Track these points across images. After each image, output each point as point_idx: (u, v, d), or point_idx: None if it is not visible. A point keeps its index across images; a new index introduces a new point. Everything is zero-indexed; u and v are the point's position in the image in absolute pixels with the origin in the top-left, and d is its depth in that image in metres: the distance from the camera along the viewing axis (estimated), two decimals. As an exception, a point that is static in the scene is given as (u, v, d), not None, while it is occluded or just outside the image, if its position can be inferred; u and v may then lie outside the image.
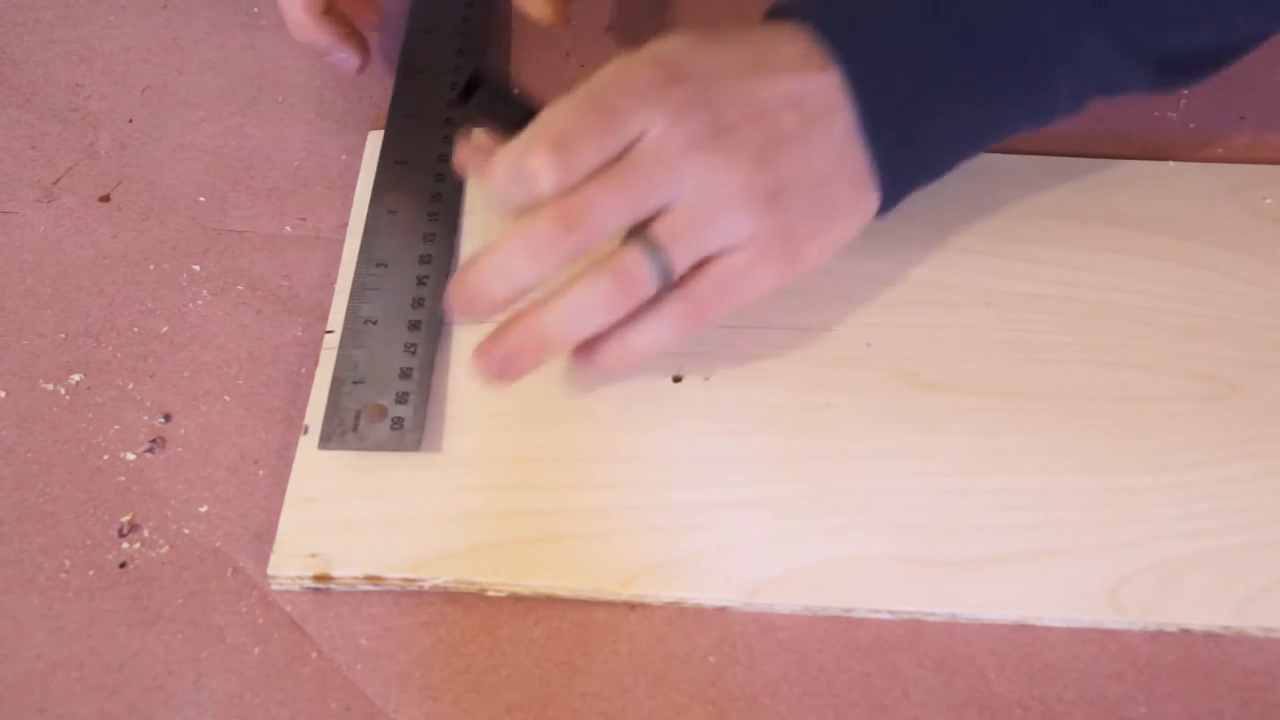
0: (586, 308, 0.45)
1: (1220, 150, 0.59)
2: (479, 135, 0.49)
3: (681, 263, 0.46)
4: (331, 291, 0.55)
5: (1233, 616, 0.45)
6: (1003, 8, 0.47)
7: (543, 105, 0.46)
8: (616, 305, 0.46)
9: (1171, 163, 0.58)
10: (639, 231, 0.45)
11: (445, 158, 0.57)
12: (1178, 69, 0.51)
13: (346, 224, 0.57)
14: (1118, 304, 0.53)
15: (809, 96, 0.47)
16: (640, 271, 0.45)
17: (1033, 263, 0.55)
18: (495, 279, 0.45)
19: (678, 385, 0.51)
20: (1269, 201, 0.57)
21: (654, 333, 0.47)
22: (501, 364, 0.47)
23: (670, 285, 0.46)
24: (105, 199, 0.59)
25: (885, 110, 0.47)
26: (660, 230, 0.45)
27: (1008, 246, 0.55)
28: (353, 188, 0.58)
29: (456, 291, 0.47)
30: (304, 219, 0.58)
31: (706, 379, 0.51)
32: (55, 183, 0.60)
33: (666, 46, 0.47)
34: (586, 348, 0.47)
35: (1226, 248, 0.55)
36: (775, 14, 0.49)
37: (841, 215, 0.48)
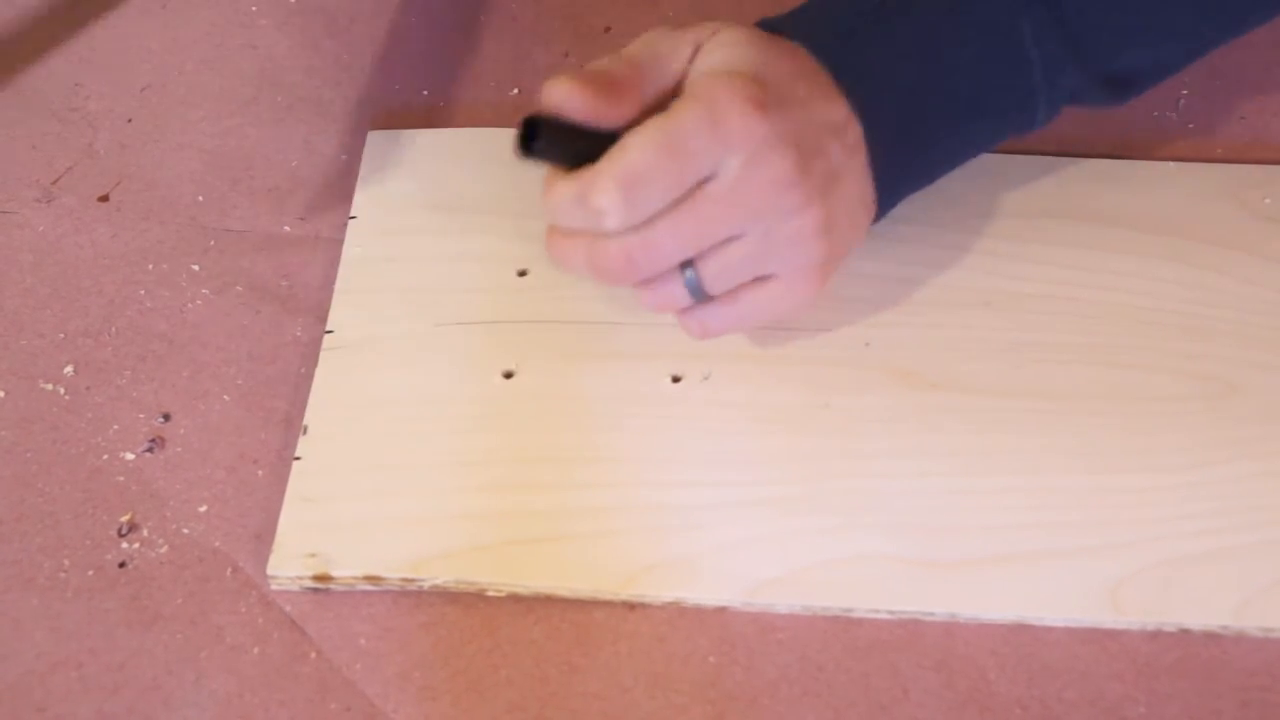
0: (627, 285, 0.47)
1: (1220, 150, 0.59)
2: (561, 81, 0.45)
3: (718, 288, 0.47)
4: (331, 292, 0.54)
5: (1232, 616, 0.45)
6: (989, 41, 0.48)
7: (613, 133, 0.44)
8: (651, 304, 0.48)
9: (1171, 163, 0.58)
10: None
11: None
12: (1136, 81, 0.52)
13: (346, 224, 0.57)
14: (1117, 304, 0.53)
15: (848, 126, 0.47)
16: (675, 288, 0.47)
17: (1032, 262, 0.55)
18: (571, 269, 0.47)
19: (676, 385, 0.51)
20: (1268, 201, 0.57)
21: (704, 324, 0.48)
22: (558, 256, 0.47)
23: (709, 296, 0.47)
24: (104, 199, 0.59)
25: (887, 136, 0.48)
26: (707, 265, 0.46)
27: (1007, 246, 0.55)
28: (352, 188, 0.58)
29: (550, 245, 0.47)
30: (303, 219, 0.58)
31: (705, 379, 0.51)
32: (54, 183, 0.60)
33: (741, 77, 0.44)
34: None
35: (1226, 247, 0.55)
36: (767, 28, 0.48)
37: (858, 237, 0.49)
